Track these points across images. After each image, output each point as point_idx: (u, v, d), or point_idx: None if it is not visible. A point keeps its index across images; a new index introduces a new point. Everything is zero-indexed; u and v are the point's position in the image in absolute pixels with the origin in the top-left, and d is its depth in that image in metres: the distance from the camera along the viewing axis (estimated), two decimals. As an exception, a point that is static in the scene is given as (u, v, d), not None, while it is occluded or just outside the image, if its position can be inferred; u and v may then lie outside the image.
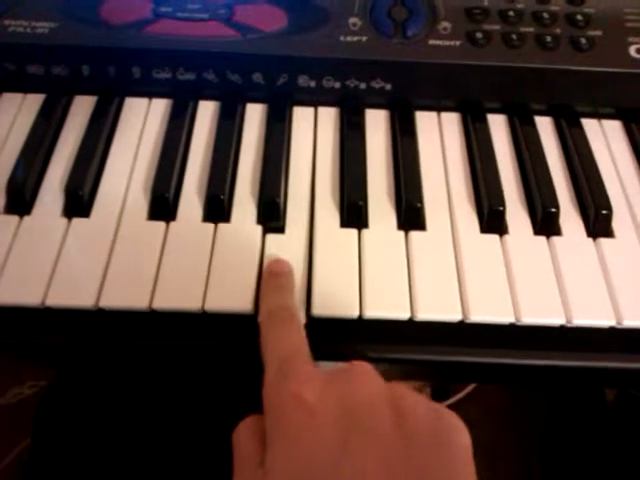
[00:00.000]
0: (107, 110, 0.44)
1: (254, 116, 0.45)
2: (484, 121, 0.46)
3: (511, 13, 0.44)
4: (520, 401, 0.79)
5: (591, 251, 0.38)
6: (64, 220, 0.38)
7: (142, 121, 0.44)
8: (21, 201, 0.39)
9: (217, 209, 0.39)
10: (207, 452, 0.51)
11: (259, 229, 0.38)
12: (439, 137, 0.45)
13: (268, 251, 0.37)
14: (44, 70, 0.44)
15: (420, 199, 0.40)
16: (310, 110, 0.46)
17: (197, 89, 0.45)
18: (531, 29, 0.44)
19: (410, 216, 0.39)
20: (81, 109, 0.45)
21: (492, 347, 0.35)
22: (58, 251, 0.37)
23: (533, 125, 0.45)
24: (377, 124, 0.45)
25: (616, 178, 0.43)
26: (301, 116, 0.45)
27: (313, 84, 0.44)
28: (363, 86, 0.44)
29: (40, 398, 0.56)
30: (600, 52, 0.43)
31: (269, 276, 0.35)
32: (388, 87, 0.44)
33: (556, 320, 0.35)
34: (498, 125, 0.46)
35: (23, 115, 0.44)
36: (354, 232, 0.38)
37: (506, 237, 0.39)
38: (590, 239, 0.39)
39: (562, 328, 0.36)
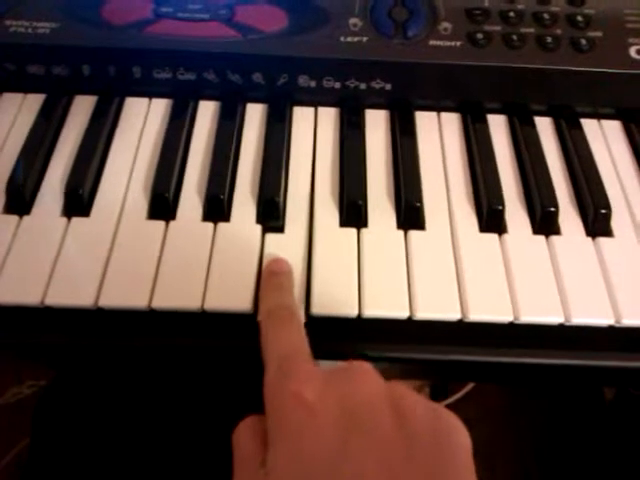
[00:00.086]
0: (107, 110, 0.44)
1: (254, 116, 0.45)
2: (484, 121, 0.46)
3: (512, 14, 0.44)
4: (518, 401, 0.79)
5: (590, 250, 0.38)
6: (64, 220, 0.38)
7: (142, 121, 0.44)
8: (21, 201, 0.39)
9: (217, 208, 0.39)
10: (207, 452, 0.50)
11: (259, 228, 0.38)
12: (439, 137, 0.45)
13: (267, 250, 0.37)
14: (45, 70, 0.44)
15: (419, 199, 0.40)
16: (310, 110, 0.46)
17: (197, 89, 0.45)
18: (531, 30, 0.44)
19: (409, 215, 0.39)
20: (81, 109, 0.45)
21: (491, 346, 0.35)
22: (58, 250, 0.37)
23: (533, 125, 0.46)
24: (377, 124, 0.45)
25: (615, 178, 0.43)
26: (301, 116, 0.45)
27: (313, 84, 0.44)
28: (363, 86, 0.44)
29: (39, 398, 0.56)
30: (600, 53, 0.43)
31: (269, 275, 0.35)
32: (388, 87, 0.44)
33: (555, 319, 0.35)
34: (498, 125, 0.46)
35: (23, 115, 0.44)
36: (353, 231, 0.38)
37: (505, 236, 0.39)
38: (589, 238, 0.39)
39: (561, 327, 0.36)
